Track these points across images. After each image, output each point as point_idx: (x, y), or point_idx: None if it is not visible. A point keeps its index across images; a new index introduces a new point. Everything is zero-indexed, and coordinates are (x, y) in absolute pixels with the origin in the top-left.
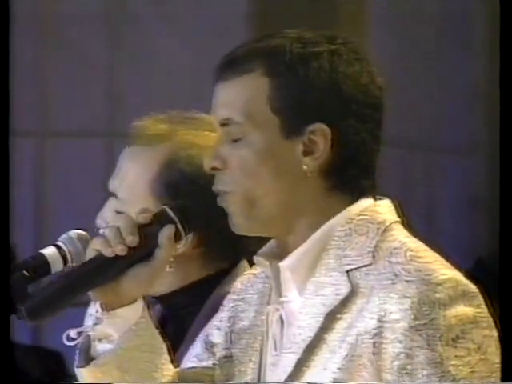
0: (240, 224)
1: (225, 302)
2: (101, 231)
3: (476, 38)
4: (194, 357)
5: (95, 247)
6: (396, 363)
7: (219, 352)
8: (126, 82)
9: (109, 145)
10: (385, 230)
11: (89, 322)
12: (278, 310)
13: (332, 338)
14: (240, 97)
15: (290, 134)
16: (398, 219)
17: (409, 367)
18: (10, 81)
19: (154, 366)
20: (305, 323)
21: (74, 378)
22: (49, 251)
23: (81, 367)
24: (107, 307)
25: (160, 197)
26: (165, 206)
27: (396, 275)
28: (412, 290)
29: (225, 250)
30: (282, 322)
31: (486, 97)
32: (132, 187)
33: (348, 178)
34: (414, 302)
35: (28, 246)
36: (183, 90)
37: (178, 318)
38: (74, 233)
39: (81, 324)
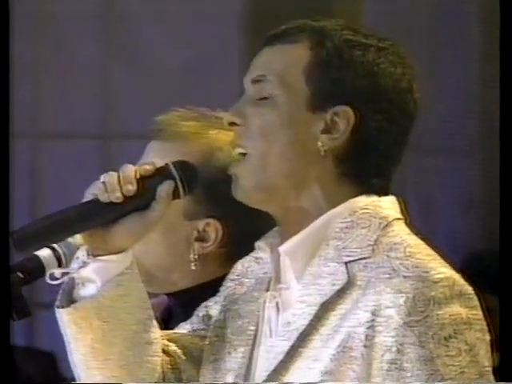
0: (244, 188)
1: (224, 282)
2: (101, 177)
3: (472, 39)
4: (188, 324)
5: (93, 191)
6: (386, 357)
7: (213, 327)
8: (120, 83)
9: (103, 146)
10: (387, 225)
11: (75, 264)
12: (275, 296)
13: (325, 328)
14: (280, 61)
15: (315, 108)
16: (400, 216)
17: (398, 362)
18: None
19: (136, 319)
20: (300, 311)
21: (67, 379)
22: (44, 253)
23: (61, 307)
24: (94, 252)
25: (195, 194)
26: (168, 162)
27: (394, 270)
28: (408, 285)
29: (245, 250)
30: (278, 309)
31: (481, 98)
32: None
33: (360, 170)
34: (409, 298)
35: None
36: (178, 90)
37: (188, 314)
38: None
39: None
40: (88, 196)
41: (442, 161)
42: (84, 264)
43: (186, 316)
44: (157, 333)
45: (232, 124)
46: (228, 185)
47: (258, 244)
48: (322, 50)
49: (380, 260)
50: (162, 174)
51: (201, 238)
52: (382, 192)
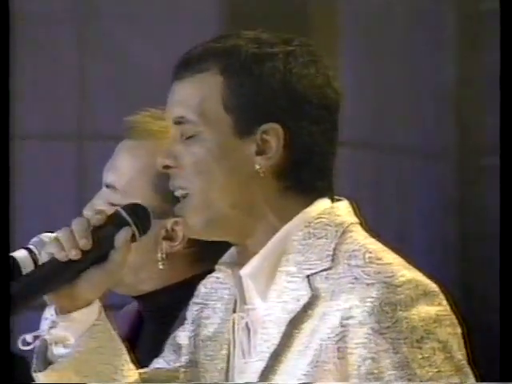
0: (195, 226)
1: (189, 306)
2: (54, 234)
3: (447, 38)
4: (160, 358)
5: (49, 251)
6: (363, 368)
7: (184, 355)
8: (97, 82)
9: (79, 146)
10: (343, 232)
11: (44, 325)
12: (243, 317)
13: (296, 344)
14: (194, 95)
15: (242, 133)
16: (356, 220)
17: (376, 371)
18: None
19: (114, 367)
20: (269, 330)
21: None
22: (20, 254)
23: (38, 371)
24: (62, 310)
25: (162, 192)
26: (118, 208)
27: (356, 278)
28: (373, 293)
29: (214, 250)
30: (248, 329)
31: (458, 98)
32: (132, 181)
33: (302, 179)
34: (376, 305)
35: None
36: (154, 90)
37: (156, 318)
38: (45, 236)
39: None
40: (45, 256)
41: (419, 162)
42: (54, 324)
43: (155, 320)
44: (135, 375)
45: (166, 167)
46: None
47: (219, 267)
48: (231, 72)
49: (341, 269)
50: (114, 221)
51: (169, 237)
52: (331, 193)
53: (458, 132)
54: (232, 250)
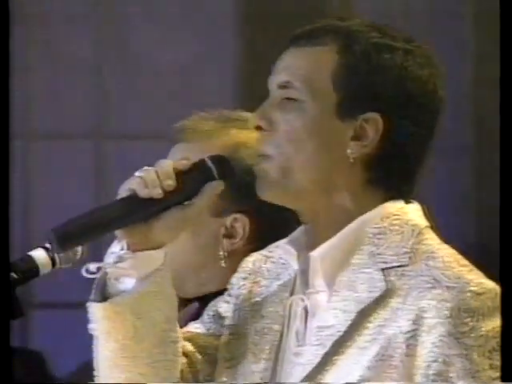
0: (268, 189)
1: (233, 281)
2: (136, 172)
3: (464, 39)
4: (199, 323)
5: (131, 186)
6: (431, 369)
7: (227, 326)
8: (114, 82)
9: (96, 146)
10: (419, 233)
11: (110, 259)
12: (303, 300)
13: (363, 335)
14: (307, 65)
15: (344, 115)
16: (428, 224)
17: (444, 374)
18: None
19: (165, 317)
20: (334, 318)
21: (54, 379)
22: (37, 253)
23: (96, 301)
24: (133, 247)
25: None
26: (205, 157)
27: (435, 280)
28: (452, 296)
29: None
30: (306, 313)
31: (474, 98)
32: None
33: (388, 175)
34: (455, 308)
35: (16, 248)
36: (172, 90)
37: None
38: None
39: (66, 329)
40: (123, 192)
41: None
42: (120, 259)
43: None
44: (179, 332)
45: (258, 128)
46: (254, 179)
47: (285, 247)
48: (349, 54)
49: (419, 269)
50: (198, 168)
51: (229, 235)
52: (409, 197)
53: (474, 131)
54: (298, 232)
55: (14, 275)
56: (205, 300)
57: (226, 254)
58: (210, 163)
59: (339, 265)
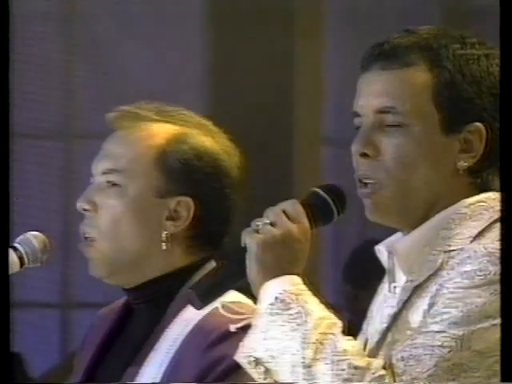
0: (385, 214)
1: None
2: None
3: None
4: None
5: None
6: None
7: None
8: (83, 83)
9: (66, 146)
10: (495, 221)
11: None
12: (394, 293)
13: (417, 306)
14: (406, 88)
15: (449, 130)
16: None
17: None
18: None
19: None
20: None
21: (33, 380)
22: None
23: None
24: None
25: (165, 171)
26: (315, 188)
27: (489, 261)
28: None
29: (214, 236)
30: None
31: None
32: (133, 162)
33: (487, 176)
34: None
35: None
36: (141, 91)
37: (149, 308)
38: (30, 234)
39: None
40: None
41: None
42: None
43: (147, 311)
44: None
45: (363, 155)
46: (201, 162)
47: (378, 249)
48: (442, 70)
49: (471, 248)
50: (312, 200)
51: (172, 217)
52: (495, 187)
53: None
54: (396, 234)
55: None
56: (136, 290)
57: (168, 235)
58: (322, 192)
59: (417, 255)
